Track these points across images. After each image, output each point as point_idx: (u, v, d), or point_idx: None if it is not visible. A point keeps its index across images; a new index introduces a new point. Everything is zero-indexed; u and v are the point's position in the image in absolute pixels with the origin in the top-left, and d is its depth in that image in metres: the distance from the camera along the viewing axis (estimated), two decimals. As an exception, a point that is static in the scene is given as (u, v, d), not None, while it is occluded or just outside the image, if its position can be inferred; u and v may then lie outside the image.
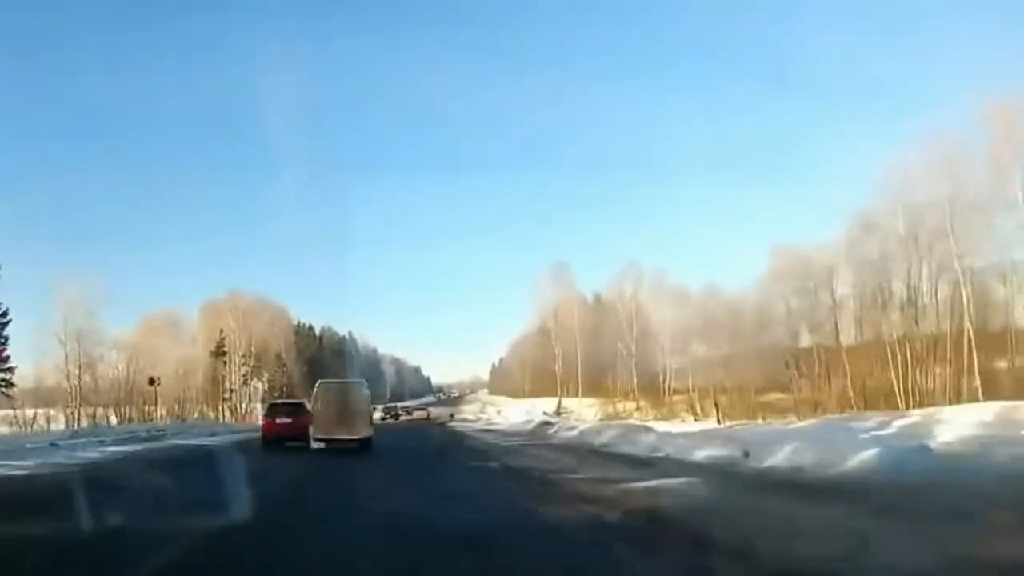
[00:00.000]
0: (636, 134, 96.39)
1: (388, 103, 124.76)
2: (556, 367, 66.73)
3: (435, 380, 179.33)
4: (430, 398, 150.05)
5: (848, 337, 46.05)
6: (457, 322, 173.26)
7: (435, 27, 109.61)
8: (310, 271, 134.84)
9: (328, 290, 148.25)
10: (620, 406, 60.29)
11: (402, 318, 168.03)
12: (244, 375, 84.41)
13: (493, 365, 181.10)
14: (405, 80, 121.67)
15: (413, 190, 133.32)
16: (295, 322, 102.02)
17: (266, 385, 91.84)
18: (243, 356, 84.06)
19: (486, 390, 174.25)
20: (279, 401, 35.66)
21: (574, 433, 28.80)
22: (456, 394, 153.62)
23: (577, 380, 66.75)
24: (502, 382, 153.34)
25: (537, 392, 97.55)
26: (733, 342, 53.44)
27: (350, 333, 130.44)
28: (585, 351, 66.43)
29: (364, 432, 21.50)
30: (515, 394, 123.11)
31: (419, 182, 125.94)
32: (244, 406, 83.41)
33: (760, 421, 43.67)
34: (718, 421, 45.31)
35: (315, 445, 21.51)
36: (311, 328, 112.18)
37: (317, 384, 23.08)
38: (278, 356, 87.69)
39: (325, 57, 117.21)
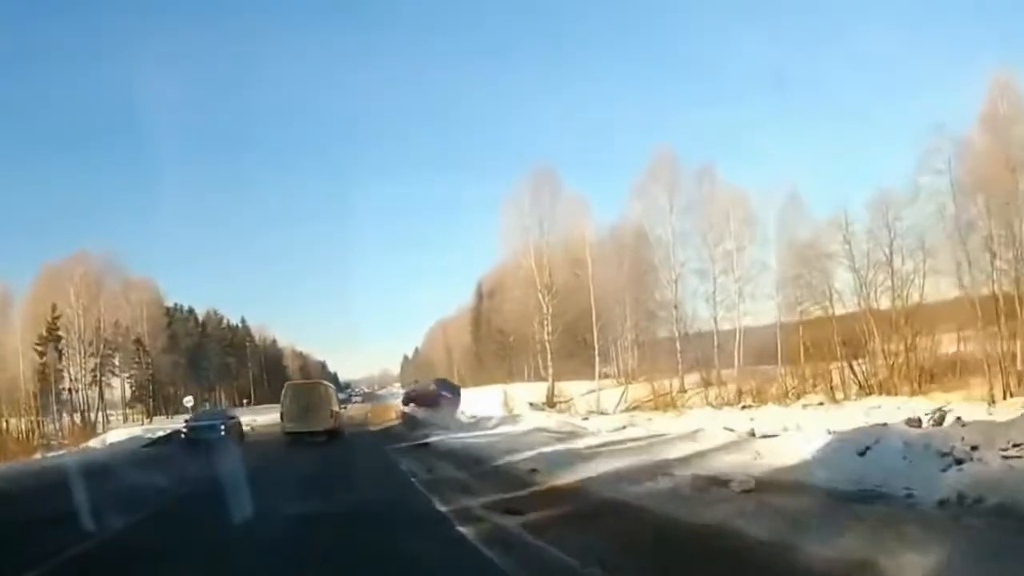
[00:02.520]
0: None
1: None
2: (544, 332, 47.22)
3: (342, 377, 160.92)
4: (341, 395, 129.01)
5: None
6: (361, 315, 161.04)
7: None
8: (189, 244, 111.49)
9: (213, 269, 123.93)
10: (657, 385, 41.56)
11: (301, 310, 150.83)
12: (93, 369, 61.36)
13: (405, 357, 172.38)
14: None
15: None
16: (168, 303, 79.01)
17: (132, 383, 68.84)
18: (90, 344, 61.03)
19: (398, 384, 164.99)
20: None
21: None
22: (366, 390, 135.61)
23: (594, 346, 46.48)
24: (417, 374, 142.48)
25: (482, 379, 78.86)
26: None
27: (243, 320, 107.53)
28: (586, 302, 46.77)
29: (327, 424, 24.83)
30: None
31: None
32: (93, 414, 60.51)
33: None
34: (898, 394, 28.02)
35: (286, 438, 24.55)
36: (191, 312, 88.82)
37: (285, 385, 27.48)
38: (137, 343, 64.77)
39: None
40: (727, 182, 43.00)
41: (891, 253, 34.88)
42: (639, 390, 42.66)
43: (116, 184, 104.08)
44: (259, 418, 54.96)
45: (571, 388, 45.60)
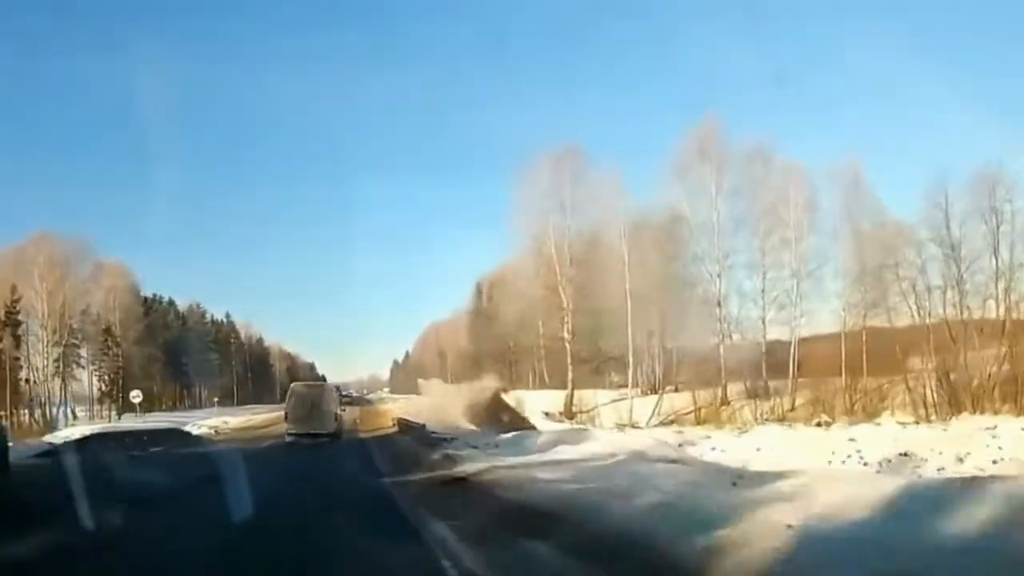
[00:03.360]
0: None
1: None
2: (564, 330, 41.44)
3: (330, 379, 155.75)
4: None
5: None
6: (351, 319, 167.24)
7: None
8: (175, 239, 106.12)
9: (199, 266, 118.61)
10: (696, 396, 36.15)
11: (289, 310, 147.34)
12: (57, 359, 55.48)
13: (395, 362, 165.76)
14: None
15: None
16: (146, 294, 73.18)
17: (101, 377, 62.81)
18: (54, 331, 55.16)
19: (387, 389, 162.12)
20: None
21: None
22: (355, 394, 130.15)
23: (628, 346, 39.69)
24: (408, 380, 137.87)
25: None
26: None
27: (228, 315, 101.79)
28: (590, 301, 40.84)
29: (331, 427, 24.97)
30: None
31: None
32: (56, 410, 54.64)
33: None
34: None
35: (288, 439, 24.34)
36: (172, 303, 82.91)
37: (291, 386, 27.86)
38: (107, 332, 58.92)
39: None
40: (783, 160, 37.64)
41: (997, 242, 29.74)
42: (672, 400, 37.35)
43: (108, 178, 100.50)
44: (233, 419, 49.45)
45: (591, 397, 40.17)
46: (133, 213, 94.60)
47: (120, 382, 61.44)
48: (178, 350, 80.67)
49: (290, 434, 24.81)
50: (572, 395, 39.10)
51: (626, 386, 52.15)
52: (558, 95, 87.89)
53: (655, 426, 34.67)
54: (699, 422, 34.77)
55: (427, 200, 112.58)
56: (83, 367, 59.64)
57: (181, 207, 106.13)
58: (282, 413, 26.05)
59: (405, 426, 29.85)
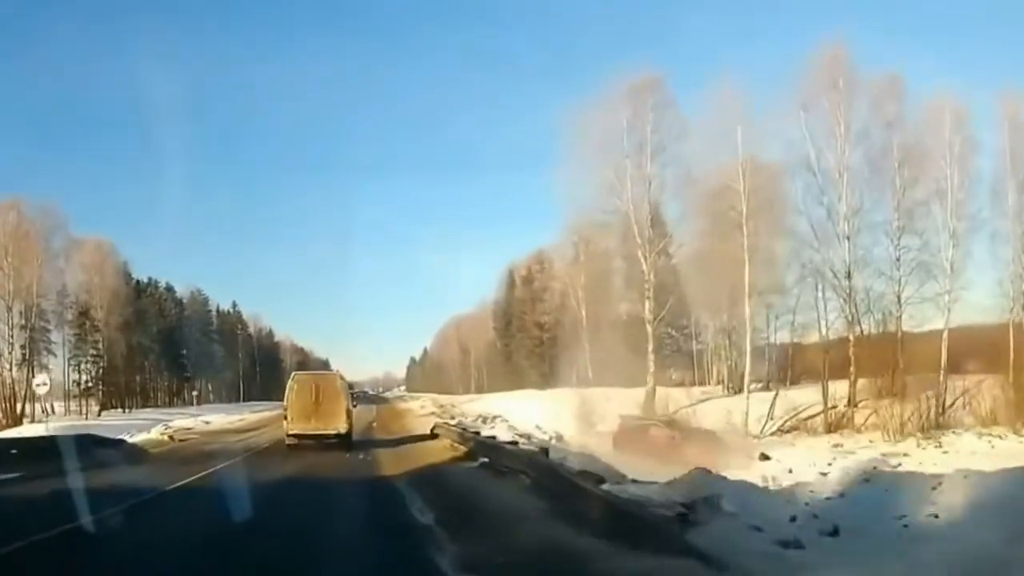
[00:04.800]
0: None
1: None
2: (645, 309, 32.23)
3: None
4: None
5: None
6: (366, 315, 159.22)
7: None
8: (182, 228, 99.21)
9: (205, 253, 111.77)
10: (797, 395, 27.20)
11: (301, 304, 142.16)
12: (24, 345, 47.43)
13: (412, 359, 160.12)
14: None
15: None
16: (136, 277, 65.25)
17: (77, 367, 54.68)
18: (21, 313, 47.16)
19: (403, 388, 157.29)
20: None
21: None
22: (369, 391, 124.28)
23: (744, 329, 29.35)
24: (425, 378, 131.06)
25: (510, 384, 64.75)
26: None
27: (235, 305, 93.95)
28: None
29: (342, 426, 20.26)
30: (446, 390, 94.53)
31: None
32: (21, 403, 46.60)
33: None
34: None
35: (289, 441, 19.85)
36: (170, 289, 74.80)
37: (292, 376, 22.36)
38: (84, 315, 50.87)
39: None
40: (926, 98, 28.72)
41: None
42: (764, 400, 28.59)
43: (120, 169, 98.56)
44: (219, 419, 41.27)
45: (672, 396, 31.41)
46: (143, 204, 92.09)
47: (100, 373, 53.49)
48: (176, 340, 72.79)
49: (291, 436, 19.97)
50: (653, 394, 30.26)
51: (686, 383, 43.79)
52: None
53: (771, 433, 26.15)
54: (830, 429, 26.13)
55: (444, 194, 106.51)
56: (54, 354, 51.49)
57: (188, 196, 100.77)
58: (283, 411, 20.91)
59: (459, 440, 19.04)
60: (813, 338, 32.46)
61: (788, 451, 19.77)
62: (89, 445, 16.09)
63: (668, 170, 29.95)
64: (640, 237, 29.73)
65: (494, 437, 18.29)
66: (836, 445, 20.82)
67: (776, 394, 27.42)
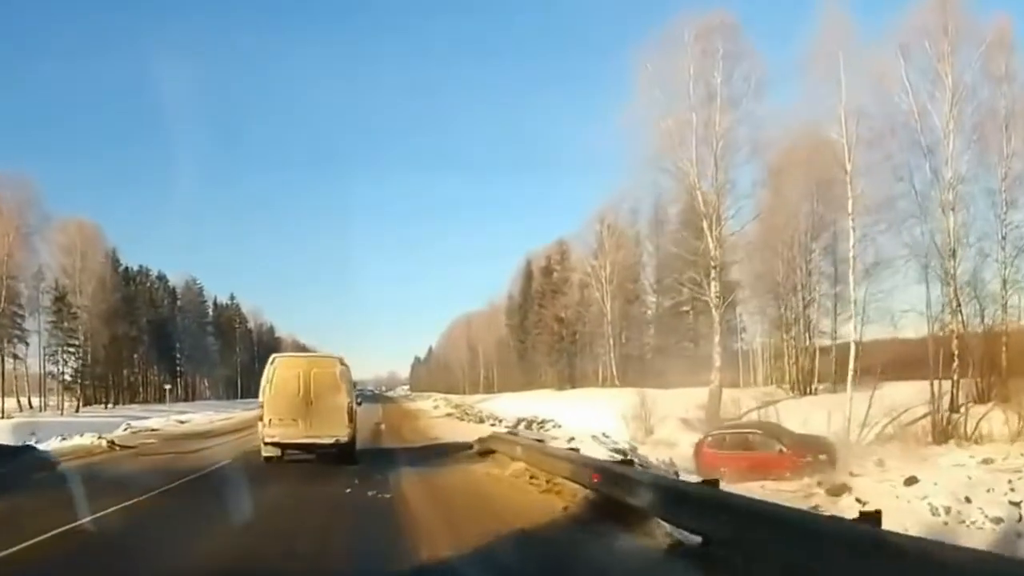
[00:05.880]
0: None
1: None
2: (711, 290, 26.55)
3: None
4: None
5: None
6: (370, 312, 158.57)
7: None
8: (183, 219, 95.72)
9: (206, 248, 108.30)
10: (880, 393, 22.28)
11: (302, 300, 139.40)
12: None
13: (416, 359, 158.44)
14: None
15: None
16: (126, 264, 60.78)
17: (63, 362, 49.90)
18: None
19: (407, 387, 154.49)
20: None
21: None
22: (372, 390, 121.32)
23: (851, 317, 24.39)
24: (430, 377, 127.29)
25: (526, 384, 60.01)
26: None
27: (233, 297, 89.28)
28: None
29: (342, 433, 14.27)
30: (451, 390, 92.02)
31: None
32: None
33: None
34: None
35: (266, 453, 14.42)
36: (162, 278, 70.12)
37: (271, 359, 15.27)
38: (61, 300, 46.22)
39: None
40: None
41: None
42: (841, 400, 23.69)
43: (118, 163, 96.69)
44: (200, 418, 36.63)
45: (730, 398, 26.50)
46: (145, 196, 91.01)
47: (80, 365, 48.87)
48: (168, 333, 68.22)
49: (269, 445, 14.36)
50: (720, 395, 25.16)
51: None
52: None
53: (868, 443, 21.40)
54: (942, 437, 21.36)
55: (452, 192, 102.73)
56: (27, 343, 46.79)
57: (189, 188, 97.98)
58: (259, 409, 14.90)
59: (535, 462, 11.61)
60: (877, 333, 27.73)
61: (929, 470, 15.00)
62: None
63: (740, 129, 25.00)
64: (705, 204, 24.76)
65: (577, 450, 11.69)
66: (985, 461, 15.98)
67: (872, 394, 22.48)
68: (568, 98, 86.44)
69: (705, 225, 24.87)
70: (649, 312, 50.54)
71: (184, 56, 71.73)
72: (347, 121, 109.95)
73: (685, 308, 44.92)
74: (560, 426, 24.14)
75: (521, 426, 25.49)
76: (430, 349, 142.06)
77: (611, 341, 50.24)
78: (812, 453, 16.16)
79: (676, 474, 10.92)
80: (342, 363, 15.07)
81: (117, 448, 19.02)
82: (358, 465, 14.11)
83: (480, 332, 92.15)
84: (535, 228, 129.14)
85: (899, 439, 21.95)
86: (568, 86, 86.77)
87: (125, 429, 24.48)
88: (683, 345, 45.44)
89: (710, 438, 17.38)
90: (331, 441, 14.20)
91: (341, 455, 14.32)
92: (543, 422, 26.49)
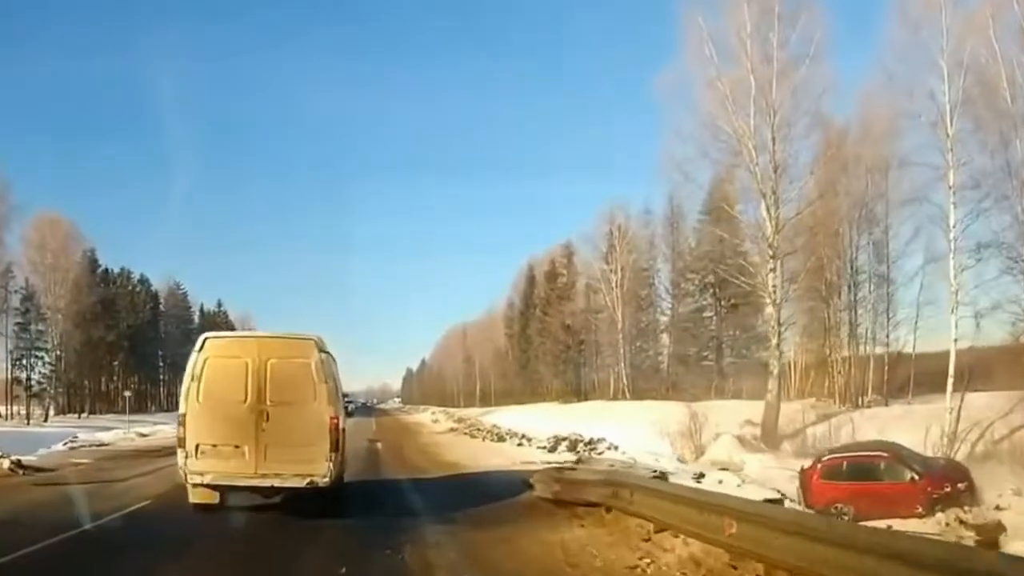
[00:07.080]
0: None
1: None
2: (768, 282, 22.04)
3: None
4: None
5: None
6: (360, 323, 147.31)
7: None
8: (170, 227, 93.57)
9: (194, 257, 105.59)
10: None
11: (293, 311, 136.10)
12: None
13: (409, 370, 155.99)
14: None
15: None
16: (105, 265, 57.18)
17: (30, 367, 46.03)
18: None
19: (398, 399, 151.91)
20: None
21: None
22: (363, 401, 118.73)
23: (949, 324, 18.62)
24: (423, 389, 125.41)
25: (528, 397, 56.46)
26: None
27: (220, 304, 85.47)
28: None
29: (317, 469, 9.03)
30: (445, 402, 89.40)
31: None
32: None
33: None
34: None
35: (194, 499, 9.25)
36: (144, 281, 66.35)
37: (199, 343, 9.35)
38: (28, 300, 42.60)
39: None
40: None
41: None
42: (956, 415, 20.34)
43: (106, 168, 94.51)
44: (170, 430, 32.76)
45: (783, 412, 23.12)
46: (133, 200, 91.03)
47: (51, 371, 45.11)
48: (150, 338, 64.48)
49: (198, 487, 9.14)
50: (778, 408, 21.58)
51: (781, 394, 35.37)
52: None
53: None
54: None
55: (444, 202, 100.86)
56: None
57: (175, 193, 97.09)
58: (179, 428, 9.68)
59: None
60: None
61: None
62: None
63: (798, 99, 21.57)
64: (761, 181, 21.31)
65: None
66: None
67: (960, 405, 19.18)
68: (568, 98, 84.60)
69: (763, 207, 21.51)
70: (664, 319, 47.08)
71: (174, 59, 70.04)
72: (341, 126, 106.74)
73: (708, 314, 41.86)
74: (616, 447, 20.58)
75: (564, 447, 21.84)
76: (423, 360, 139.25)
77: (623, 350, 46.89)
78: (951, 482, 12.82)
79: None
80: (320, 347, 9.51)
81: (20, 472, 15.07)
82: (346, 520, 9.45)
83: (476, 342, 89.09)
84: (533, 236, 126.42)
85: (995, 457, 18.69)
86: (568, 86, 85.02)
87: (66, 443, 20.94)
88: (704, 354, 42.29)
89: (820, 464, 13.89)
90: (301, 484, 9.05)
91: (319, 502, 9.39)
92: (590, 442, 22.63)
